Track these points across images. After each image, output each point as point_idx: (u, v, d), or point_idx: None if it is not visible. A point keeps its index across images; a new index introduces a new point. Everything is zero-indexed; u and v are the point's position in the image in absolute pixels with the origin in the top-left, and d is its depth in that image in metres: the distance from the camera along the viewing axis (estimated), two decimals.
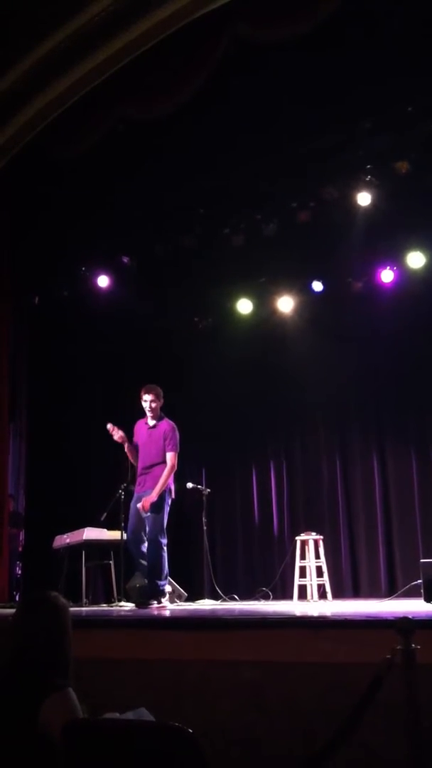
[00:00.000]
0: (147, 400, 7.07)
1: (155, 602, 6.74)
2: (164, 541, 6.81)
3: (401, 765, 2.95)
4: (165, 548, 6.81)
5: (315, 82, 6.56)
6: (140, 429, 7.16)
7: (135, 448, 7.10)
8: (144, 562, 6.85)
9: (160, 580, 6.79)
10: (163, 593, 6.83)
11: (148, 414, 7.08)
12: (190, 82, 6.17)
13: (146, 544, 6.82)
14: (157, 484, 6.78)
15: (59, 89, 6.39)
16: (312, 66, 6.35)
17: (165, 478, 6.81)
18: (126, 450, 7.14)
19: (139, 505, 6.83)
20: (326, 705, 3.68)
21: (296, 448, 10.04)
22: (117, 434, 7.08)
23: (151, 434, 7.07)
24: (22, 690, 2.59)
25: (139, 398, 7.14)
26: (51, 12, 5.92)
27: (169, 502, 6.92)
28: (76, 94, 6.41)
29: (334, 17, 5.50)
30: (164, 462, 6.92)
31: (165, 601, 6.86)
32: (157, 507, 6.76)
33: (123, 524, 7.77)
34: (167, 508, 6.88)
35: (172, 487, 6.98)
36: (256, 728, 3.96)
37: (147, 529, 6.80)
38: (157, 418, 7.10)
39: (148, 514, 6.75)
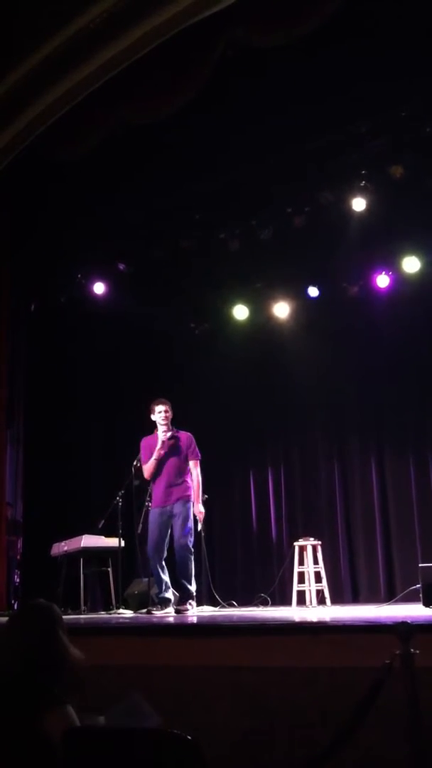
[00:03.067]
0: (162, 411, 7.17)
1: (189, 606, 6.92)
2: (192, 546, 7.05)
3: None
4: (193, 552, 7.06)
5: (311, 86, 6.58)
6: (153, 443, 7.19)
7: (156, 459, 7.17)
8: (164, 575, 7.01)
9: (191, 583, 6.98)
10: (193, 596, 7.01)
11: (162, 425, 7.14)
12: (187, 86, 6.17)
13: (164, 555, 7.06)
14: (195, 495, 7.13)
15: (59, 92, 6.38)
16: (308, 70, 6.37)
17: (200, 486, 7.16)
18: (151, 462, 7.15)
19: (200, 515, 7.14)
20: (326, 709, 3.68)
21: (294, 453, 10.04)
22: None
23: (172, 446, 7.18)
24: (21, 699, 2.58)
25: (149, 412, 7.22)
26: (51, 14, 5.92)
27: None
28: (76, 97, 6.40)
29: (330, 22, 5.52)
30: (188, 470, 7.17)
31: (194, 605, 7.04)
32: (186, 514, 7.01)
33: (121, 531, 7.78)
34: (192, 515, 7.14)
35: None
36: (256, 733, 3.96)
37: (178, 534, 6.98)
38: (171, 429, 7.22)
39: (182, 522, 6.97)
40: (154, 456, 7.10)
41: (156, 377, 9.83)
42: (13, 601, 8.49)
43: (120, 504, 7.70)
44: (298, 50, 5.92)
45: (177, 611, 6.87)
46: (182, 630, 5.25)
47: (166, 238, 9.05)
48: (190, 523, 7.02)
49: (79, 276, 9.72)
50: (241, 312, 9.84)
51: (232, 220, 8.81)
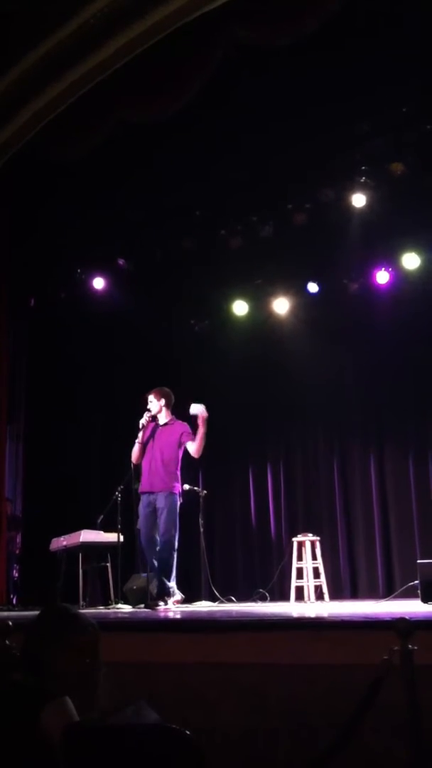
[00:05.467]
0: (149, 401, 7.29)
1: (162, 603, 6.84)
2: (176, 541, 6.97)
3: (401, 766, 2.96)
4: (176, 548, 6.97)
5: (312, 85, 6.58)
6: (149, 429, 7.29)
7: (143, 448, 7.21)
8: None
9: (169, 580, 6.93)
10: (170, 593, 6.95)
11: (153, 413, 7.27)
12: (188, 85, 6.18)
13: (158, 545, 6.98)
14: (174, 481, 7.06)
15: (57, 90, 6.39)
16: (310, 69, 6.37)
17: (200, 441, 7.10)
18: (135, 447, 7.23)
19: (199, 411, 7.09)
20: (325, 706, 3.69)
21: (293, 449, 10.05)
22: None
23: (163, 433, 7.22)
24: (20, 696, 2.58)
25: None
26: (49, 12, 5.92)
27: (179, 503, 7.09)
28: (74, 94, 6.41)
29: (331, 21, 5.51)
30: (177, 461, 7.15)
31: (170, 602, 6.94)
32: (171, 508, 6.94)
33: (120, 526, 7.79)
34: (178, 509, 7.05)
35: (180, 490, 7.17)
36: (254, 730, 3.96)
37: (161, 529, 6.93)
38: (168, 417, 7.29)
39: (167, 517, 6.90)
40: (138, 440, 7.20)
41: (155, 373, 9.82)
42: (12, 596, 8.50)
43: (119, 499, 7.71)
44: (299, 50, 5.92)
45: (148, 606, 6.83)
46: (180, 625, 5.25)
47: (166, 235, 9.05)
48: (176, 517, 6.99)
49: (78, 272, 9.71)
50: (240, 308, 9.84)
51: (233, 217, 8.81)
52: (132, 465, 7.60)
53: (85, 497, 9.47)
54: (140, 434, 7.21)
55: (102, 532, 8.15)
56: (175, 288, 9.54)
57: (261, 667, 4.09)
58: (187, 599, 7.90)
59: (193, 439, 7.13)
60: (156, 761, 2.30)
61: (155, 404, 7.28)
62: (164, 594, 6.91)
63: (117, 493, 7.70)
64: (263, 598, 8.21)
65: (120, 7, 5.87)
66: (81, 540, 8.12)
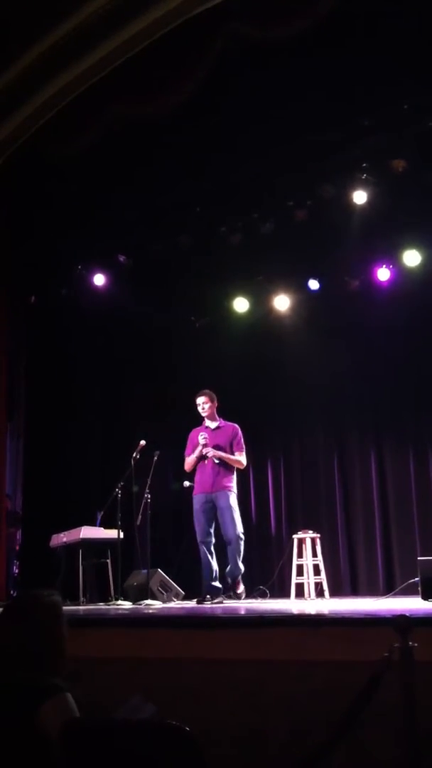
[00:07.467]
0: (199, 404, 7.50)
1: (241, 589, 7.34)
2: (242, 533, 7.36)
3: (398, 764, 2.96)
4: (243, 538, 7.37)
5: (313, 81, 6.56)
6: (196, 435, 7.46)
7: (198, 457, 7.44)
8: (213, 564, 7.31)
9: (240, 568, 7.32)
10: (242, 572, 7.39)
11: (204, 416, 7.48)
12: (187, 81, 6.17)
13: (213, 541, 7.39)
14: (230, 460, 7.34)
15: (54, 88, 6.40)
16: (310, 65, 6.35)
17: (233, 461, 7.35)
18: (192, 458, 7.45)
19: (207, 450, 7.29)
20: (324, 703, 3.69)
21: (294, 446, 10.04)
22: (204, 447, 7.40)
23: (216, 436, 7.41)
24: (18, 692, 2.57)
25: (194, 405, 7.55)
26: (47, 11, 5.92)
27: (237, 499, 7.46)
28: (71, 93, 6.41)
29: (332, 16, 5.49)
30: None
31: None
32: (231, 505, 7.26)
33: (120, 523, 7.79)
34: (237, 504, 7.41)
35: (236, 489, 7.48)
36: (253, 727, 3.96)
37: (229, 529, 7.23)
38: (217, 420, 7.52)
39: (231, 516, 7.23)
40: (195, 453, 7.38)
41: (156, 370, 9.84)
42: (12, 592, 8.51)
43: (119, 496, 7.71)
44: (300, 45, 5.90)
45: (237, 596, 7.24)
46: (181, 622, 5.26)
47: (166, 232, 9.03)
48: (237, 515, 7.29)
49: (79, 267, 9.70)
50: (241, 305, 9.82)
51: (234, 213, 8.79)
52: (132, 463, 7.61)
53: (86, 494, 9.47)
54: (198, 449, 7.35)
55: (102, 529, 8.16)
56: (175, 285, 9.53)
57: (261, 663, 4.09)
58: (187, 596, 7.91)
59: (240, 450, 7.42)
60: (154, 757, 2.30)
61: (206, 405, 7.47)
62: (240, 581, 7.38)
63: (117, 489, 7.70)
64: (263, 595, 8.20)
65: (118, 5, 5.86)
66: (81, 536, 8.13)
